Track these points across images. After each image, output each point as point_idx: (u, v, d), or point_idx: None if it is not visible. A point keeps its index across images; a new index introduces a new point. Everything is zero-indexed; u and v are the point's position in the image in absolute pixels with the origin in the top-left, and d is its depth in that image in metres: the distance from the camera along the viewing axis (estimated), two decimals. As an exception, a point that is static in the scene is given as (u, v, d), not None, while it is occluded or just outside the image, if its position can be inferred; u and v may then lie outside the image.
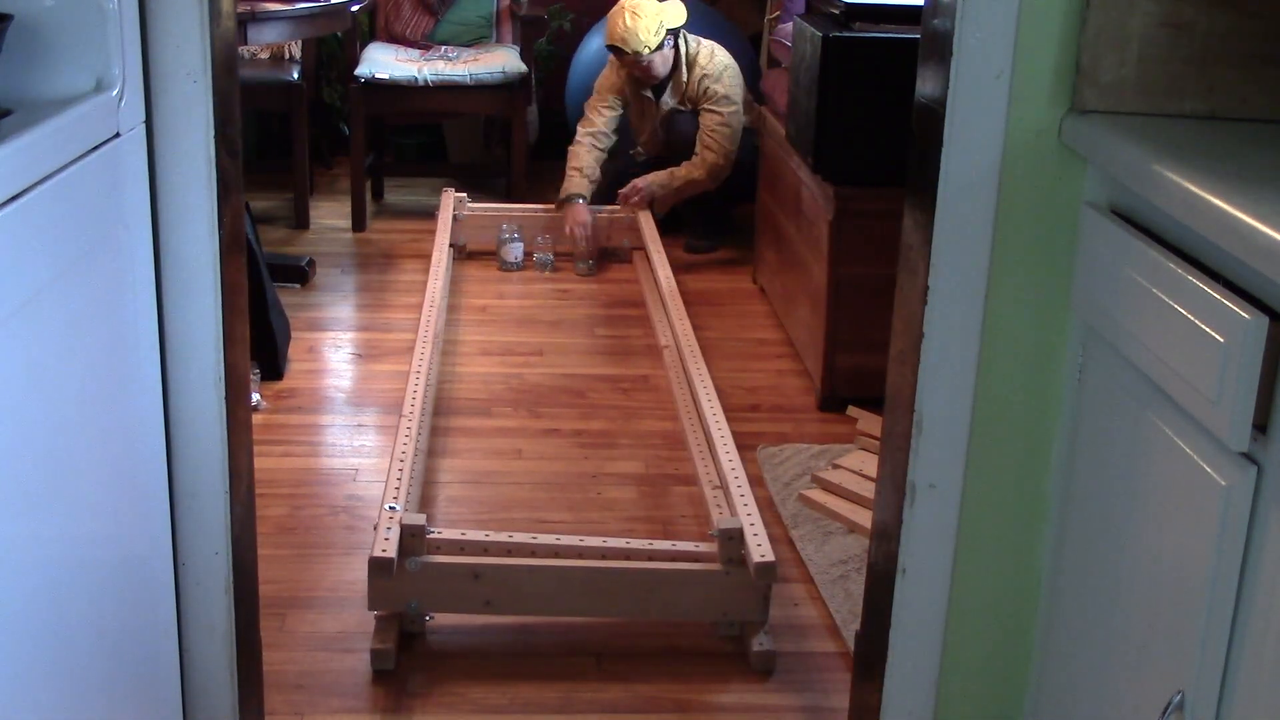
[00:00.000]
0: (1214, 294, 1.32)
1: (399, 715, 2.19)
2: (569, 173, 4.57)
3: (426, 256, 4.17)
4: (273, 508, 2.80)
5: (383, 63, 4.82)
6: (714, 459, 2.75)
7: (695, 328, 3.55)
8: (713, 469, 2.74)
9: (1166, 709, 1.41)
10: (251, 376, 2.37)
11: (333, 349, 3.75)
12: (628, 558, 2.37)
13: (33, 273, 1.33)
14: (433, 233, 4.35)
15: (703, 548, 2.39)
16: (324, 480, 2.99)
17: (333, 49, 5.37)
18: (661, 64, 4.50)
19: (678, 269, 4.13)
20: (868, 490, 2.76)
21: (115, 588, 1.63)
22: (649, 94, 4.62)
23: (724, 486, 2.61)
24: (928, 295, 1.75)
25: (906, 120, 1.83)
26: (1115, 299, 1.56)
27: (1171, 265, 1.41)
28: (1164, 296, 1.42)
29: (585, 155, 4.58)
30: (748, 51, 5.02)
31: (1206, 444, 1.35)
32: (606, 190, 4.63)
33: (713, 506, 2.60)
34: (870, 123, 3.26)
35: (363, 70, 4.74)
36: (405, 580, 2.28)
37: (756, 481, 2.90)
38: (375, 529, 2.32)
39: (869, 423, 3.10)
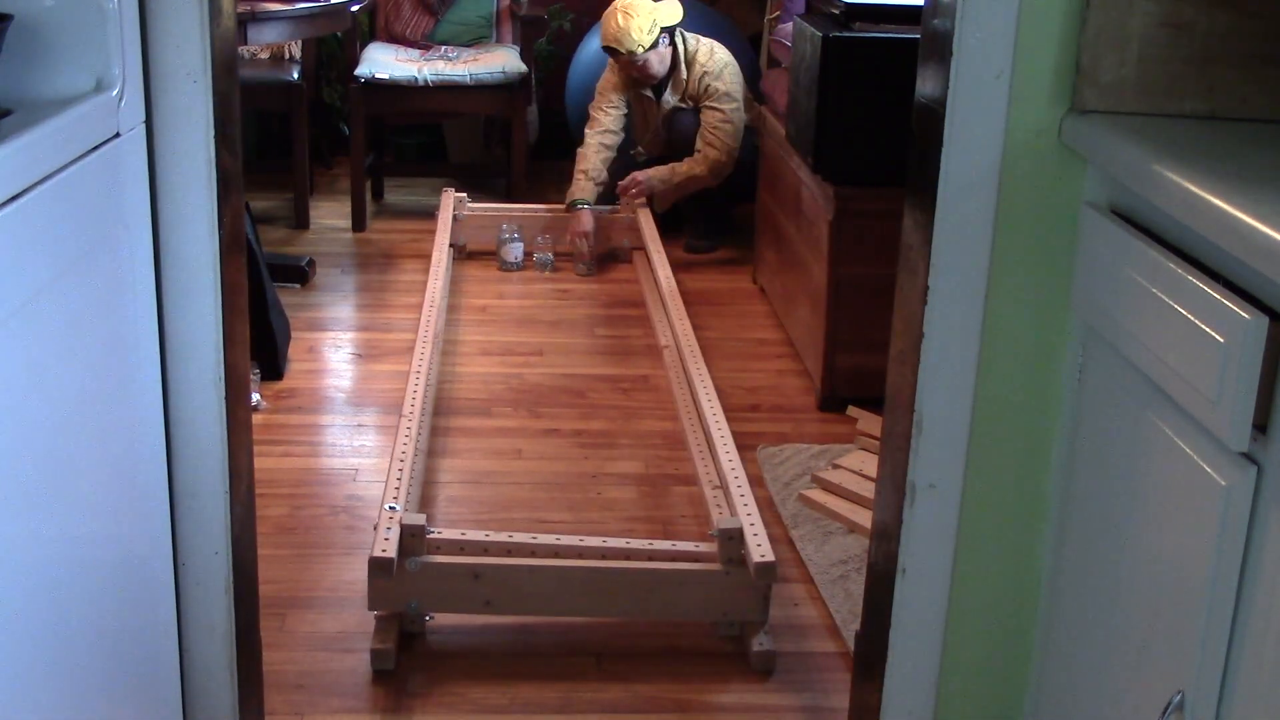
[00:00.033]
0: (1214, 294, 1.32)
1: (399, 715, 2.19)
2: (575, 176, 4.57)
3: (426, 256, 4.17)
4: (273, 508, 2.80)
5: (383, 63, 4.82)
6: (714, 459, 2.75)
7: (695, 328, 3.55)
8: (713, 469, 2.74)
9: (1166, 709, 1.41)
10: (251, 376, 2.37)
11: (333, 349, 3.75)
12: (628, 558, 2.37)
13: (33, 273, 1.33)
14: (433, 233, 4.35)
15: (703, 548, 2.39)
16: (324, 480, 2.99)
17: (333, 49, 5.37)
18: (658, 63, 4.50)
19: (678, 269, 4.13)
20: (868, 490, 2.76)
21: (115, 588, 1.63)
22: (649, 93, 4.62)
23: (724, 486, 2.61)
24: (928, 295, 1.75)
25: (906, 120, 1.83)
26: (1115, 299, 1.56)
27: (1171, 265, 1.41)
28: (1164, 296, 1.42)
29: (592, 157, 4.58)
30: (748, 51, 5.02)
31: (1206, 444, 1.35)
32: (610, 190, 4.63)
33: (713, 506, 2.60)
34: (870, 123, 3.26)
35: (363, 70, 4.74)
36: (405, 580, 2.28)
37: (756, 481, 2.90)
38: (375, 529, 2.32)
39: (869, 423, 3.10)
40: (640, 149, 4.77)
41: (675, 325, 3.55)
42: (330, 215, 5.01)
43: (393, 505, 2.38)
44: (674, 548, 2.41)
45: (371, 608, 2.32)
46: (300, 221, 4.84)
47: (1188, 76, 1.67)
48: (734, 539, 2.32)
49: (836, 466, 2.98)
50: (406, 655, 2.33)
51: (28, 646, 1.34)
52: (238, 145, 1.78)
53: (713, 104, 4.48)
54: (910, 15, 3.30)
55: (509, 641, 2.40)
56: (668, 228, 4.55)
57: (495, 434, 3.22)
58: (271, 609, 2.38)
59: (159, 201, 1.72)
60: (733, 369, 3.64)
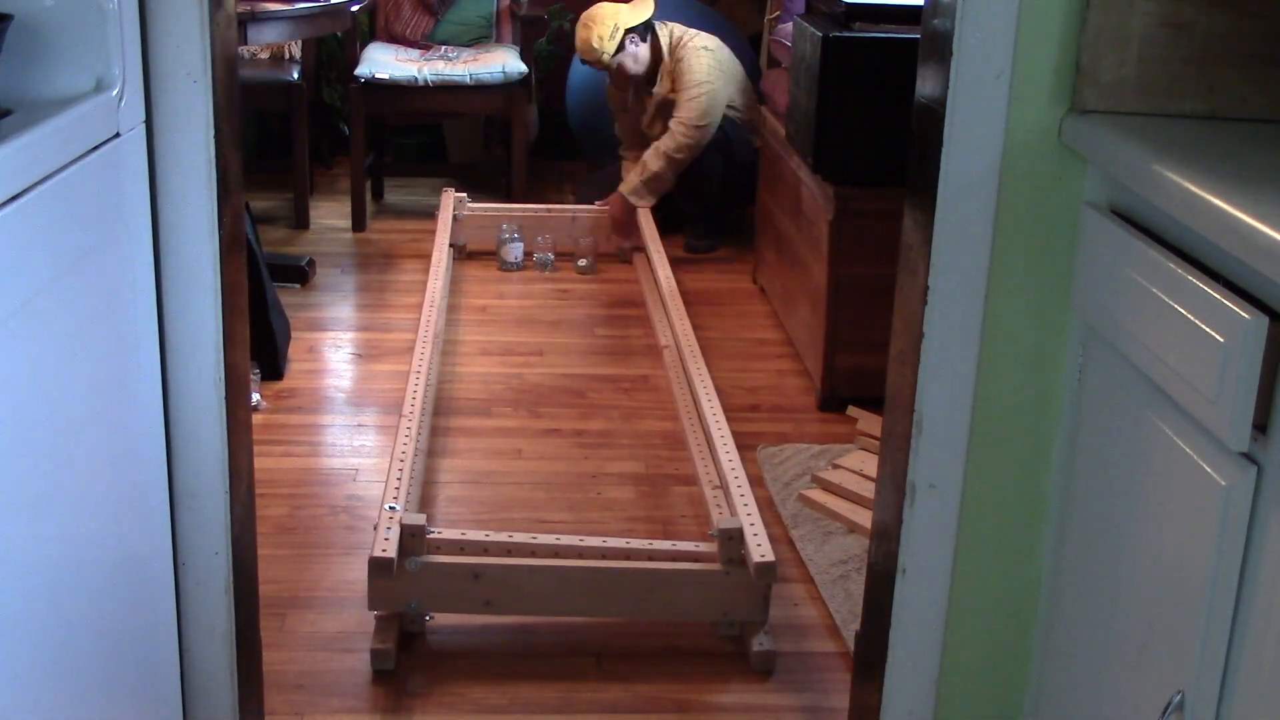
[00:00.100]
0: (1214, 294, 1.32)
1: (399, 715, 2.19)
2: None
3: (426, 256, 4.17)
4: (273, 508, 2.80)
5: (383, 63, 4.82)
6: (714, 459, 2.75)
7: (695, 328, 3.55)
8: (713, 469, 2.74)
9: (1166, 709, 1.41)
10: (251, 376, 2.37)
11: (333, 349, 3.75)
12: (628, 558, 2.37)
13: (33, 273, 1.33)
14: (433, 233, 4.35)
15: (703, 548, 2.39)
16: (324, 480, 2.99)
17: (333, 49, 5.37)
18: (633, 63, 4.56)
19: (678, 269, 4.13)
20: (868, 490, 2.76)
21: (115, 588, 1.63)
22: (647, 89, 4.64)
23: (724, 486, 2.61)
24: (928, 295, 1.75)
25: (906, 120, 1.83)
26: (1115, 299, 1.56)
27: (1171, 265, 1.41)
28: (1164, 296, 1.42)
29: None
30: (748, 51, 5.02)
31: (1206, 444, 1.35)
32: (609, 189, 4.64)
33: (713, 506, 2.60)
34: (870, 123, 3.26)
35: (363, 70, 4.74)
36: (405, 580, 2.28)
37: (756, 481, 2.90)
38: (375, 529, 2.32)
39: (869, 423, 3.10)
40: (625, 147, 4.80)
41: (675, 325, 3.55)
42: (330, 215, 5.01)
43: (393, 505, 2.38)
44: (674, 548, 2.41)
45: (371, 608, 2.32)
46: (300, 221, 4.84)
47: (1188, 76, 1.67)
48: (734, 539, 2.32)
49: (836, 466, 2.98)
50: (406, 655, 2.33)
51: (28, 646, 1.34)
52: (238, 145, 1.78)
53: (683, 87, 4.48)
54: (910, 15, 3.30)
55: (509, 641, 2.40)
56: (668, 228, 4.55)
57: (495, 434, 3.22)
58: (271, 609, 2.38)
59: (159, 201, 1.72)
60: (733, 369, 3.64)
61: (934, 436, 1.80)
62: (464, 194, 4.60)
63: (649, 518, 2.85)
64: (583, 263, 4.44)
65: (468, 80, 4.76)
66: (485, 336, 3.86)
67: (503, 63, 4.82)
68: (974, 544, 1.85)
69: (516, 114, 4.85)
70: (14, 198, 1.27)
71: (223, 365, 1.80)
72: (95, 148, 1.51)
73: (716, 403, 2.96)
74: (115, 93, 1.56)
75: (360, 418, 3.31)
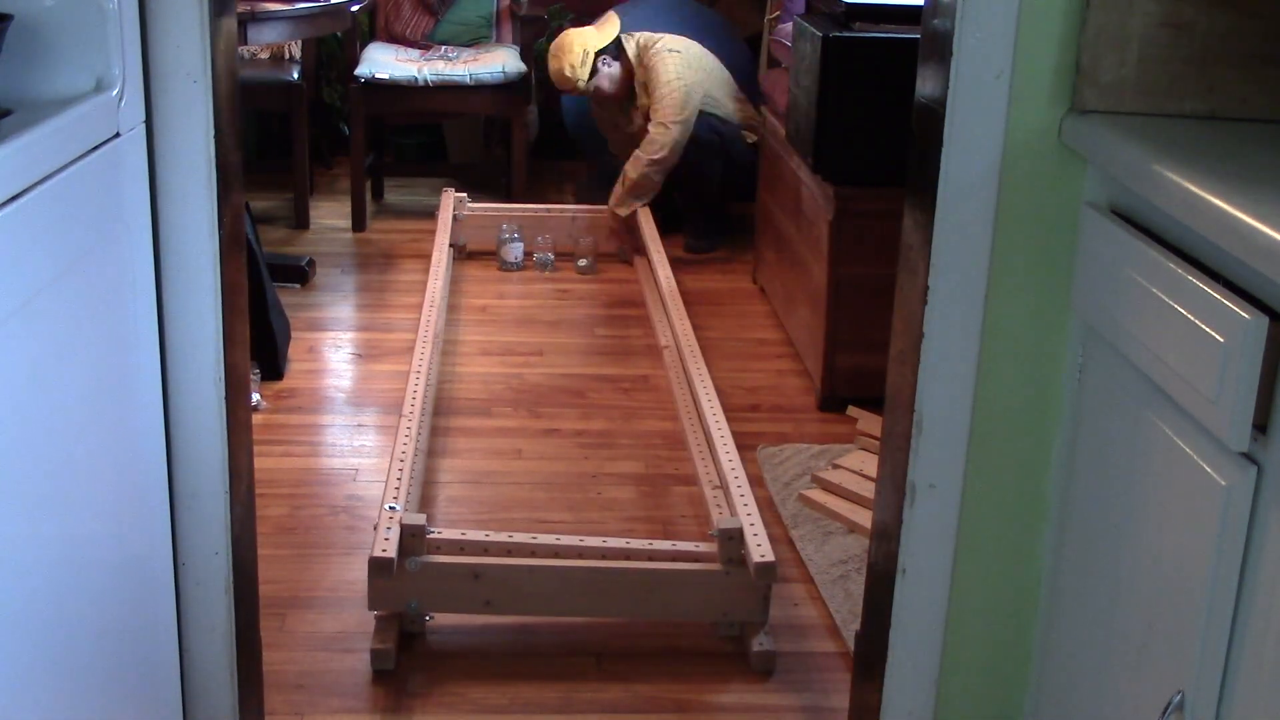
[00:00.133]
0: (1214, 294, 1.32)
1: (399, 715, 2.19)
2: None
3: (426, 256, 4.17)
4: (273, 508, 2.80)
5: (383, 63, 4.82)
6: (714, 459, 2.75)
7: (695, 328, 3.55)
8: (713, 469, 2.74)
9: (1166, 709, 1.41)
10: (251, 376, 2.37)
11: (333, 349, 3.75)
12: (628, 558, 2.37)
13: (33, 273, 1.33)
14: (433, 233, 4.35)
15: (703, 548, 2.39)
16: (324, 480, 2.99)
17: (333, 49, 5.37)
18: (609, 84, 4.62)
19: (678, 269, 4.13)
20: (868, 490, 2.76)
21: (115, 588, 1.63)
22: (630, 104, 4.67)
23: (724, 486, 2.61)
24: (928, 295, 1.75)
25: (906, 120, 1.83)
26: (1115, 299, 1.56)
27: (1171, 265, 1.41)
28: (1164, 296, 1.42)
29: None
30: (748, 52, 5.02)
31: (1206, 444, 1.35)
32: (608, 189, 4.64)
33: (713, 506, 2.60)
34: (870, 123, 3.26)
35: (363, 70, 4.74)
36: (405, 580, 2.28)
37: (756, 481, 2.90)
38: (375, 529, 2.32)
39: (869, 423, 3.10)
40: (618, 153, 4.81)
41: (675, 325, 3.55)
42: (330, 215, 5.01)
43: (393, 505, 2.38)
44: (674, 548, 2.41)
45: (371, 608, 2.32)
46: (300, 221, 4.84)
47: (1188, 76, 1.67)
48: (734, 539, 2.32)
49: (836, 466, 2.98)
50: (406, 655, 2.33)
51: (28, 646, 1.34)
52: (238, 145, 1.78)
53: (654, 88, 4.49)
54: (910, 15, 3.30)
55: (509, 641, 2.40)
56: (667, 228, 4.55)
57: (495, 434, 3.22)
58: (271, 609, 2.38)
59: (159, 201, 1.72)
60: (733, 369, 3.64)
61: (934, 436, 1.80)
62: (464, 194, 4.60)
63: (649, 518, 2.85)
64: (583, 263, 4.44)
65: (468, 80, 4.76)
66: (485, 336, 3.86)
67: (503, 63, 4.82)
68: (974, 544, 1.85)
69: (516, 114, 4.85)
70: (14, 198, 1.27)
71: (223, 365, 1.80)
72: (95, 148, 1.51)
73: (716, 403, 2.96)
74: (115, 93, 1.56)
75: (360, 418, 3.31)
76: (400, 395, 3.04)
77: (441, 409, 3.32)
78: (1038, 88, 1.68)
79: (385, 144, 5.45)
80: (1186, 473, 1.39)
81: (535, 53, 5.31)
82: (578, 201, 4.87)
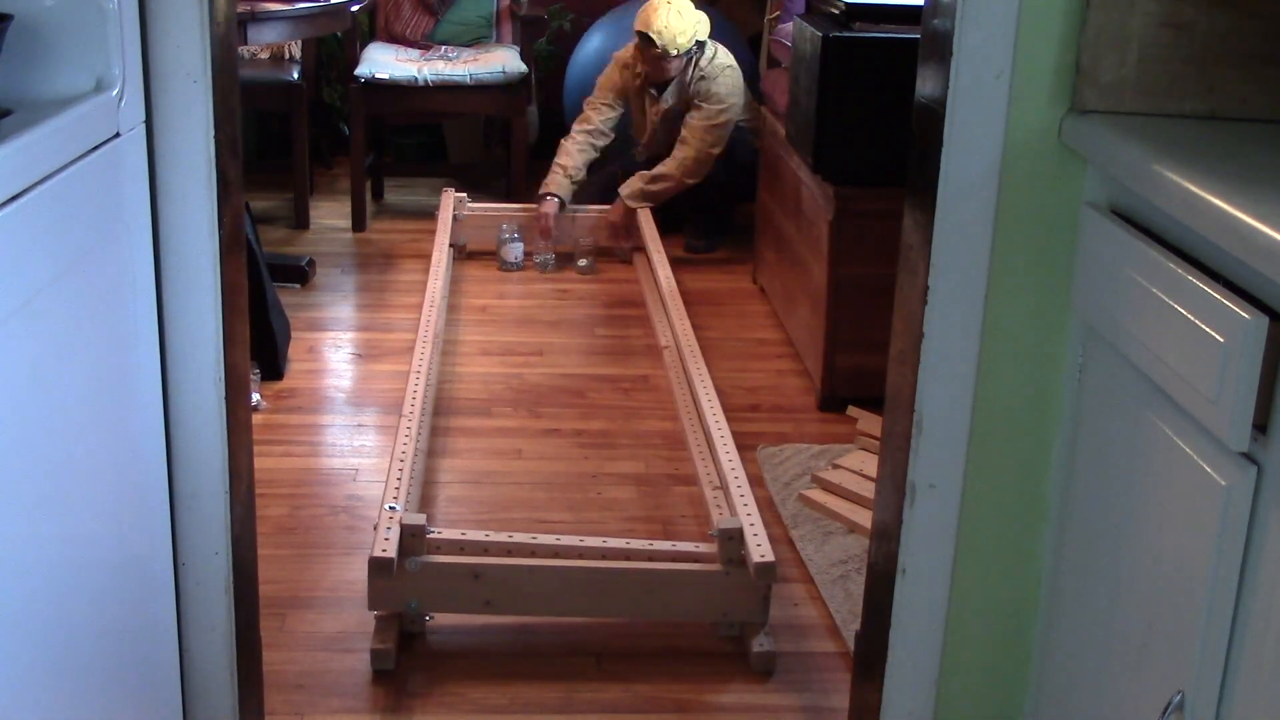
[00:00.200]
0: (1214, 294, 1.32)
1: (399, 715, 2.19)
2: (553, 168, 4.57)
3: (426, 256, 4.17)
4: (273, 508, 2.80)
5: (383, 63, 4.82)
6: (714, 459, 2.75)
7: (695, 328, 3.55)
8: (713, 469, 2.74)
9: (1166, 709, 1.41)
10: (251, 376, 2.37)
11: (333, 349, 3.75)
12: (628, 558, 2.37)
13: (33, 273, 1.33)
14: (433, 233, 4.35)
15: (703, 548, 2.39)
16: (324, 480, 2.99)
17: (333, 49, 5.37)
18: (677, 68, 4.52)
19: (678, 269, 4.13)
20: (868, 490, 2.76)
21: (115, 588, 1.63)
22: (653, 90, 4.62)
23: (724, 486, 2.61)
24: (928, 295, 1.75)
25: (906, 120, 1.83)
26: (1115, 299, 1.56)
27: (1171, 265, 1.41)
28: (1164, 296, 1.42)
29: (576, 155, 4.59)
30: (748, 52, 5.02)
31: (1206, 444, 1.35)
32: (608, 189, 4.63)
33: (713, 506, 2.60)
34: (870, 123, 3.26)
35: (363, 70, 4.74)
36: (405, 580, 2.28)
37: (756, 481, 2.90)
38: (375, 529, 2.32)
39: (869, 423, 3.10)
40: (640, 148, 4.78)
41: (675, 325, 3.55)
42: (330, 215, 5.01)
43: (393, 505, 2.38)
44: (674, 548, 2.41)
45: (371, 608, 2.32)
46: (300, 221, 4.84)
47: (1188, 76, 1.67)
48: (734, 539, 2.32)
49: (836, 466, 2.98)
50: (406, 655, 2.33)
51: (28, 646, 1.34)
52: (238, 145, 1.78)
53: (700, 103, 4.48)
54: (910, 15, 3.30)
55: (509, 641, 2.40)
56: (668, 228, 4.55)
57: (495, 434, 3.22)
58: (271, 609, 2.38)
59: (159, 201, 1.72)
60: (733, 369, 3.64)
61: (934, 436, 1.80)
62: (464, 194, 4.60)
63: (649, 518, 2.85)
64: (583, 263, 4.44)
65: (468, 80, 4.76)
66: (485, 336, 3.86)
67: (503, 63, 4.82)
68: (974, 544, 1.85)
69: (516, 114, 4.85)
70: (14, 198, 1.27)
71: (223, 365, 1.80)
72: (95, 148, 1.51)
73: (716, 403, 2.96)
74: (115, 93, 1.56)
75: (360, 418, 3.31)
76: (400, 395, 3.04)
77: (441, 409, 3.32)
78: (1038, 88, 1.68)
79: (385, 144, 5.45)
80: (1186, 473, 1.39)
81: (535, 53, 5.31)
82: (578, 202, 4.87)
